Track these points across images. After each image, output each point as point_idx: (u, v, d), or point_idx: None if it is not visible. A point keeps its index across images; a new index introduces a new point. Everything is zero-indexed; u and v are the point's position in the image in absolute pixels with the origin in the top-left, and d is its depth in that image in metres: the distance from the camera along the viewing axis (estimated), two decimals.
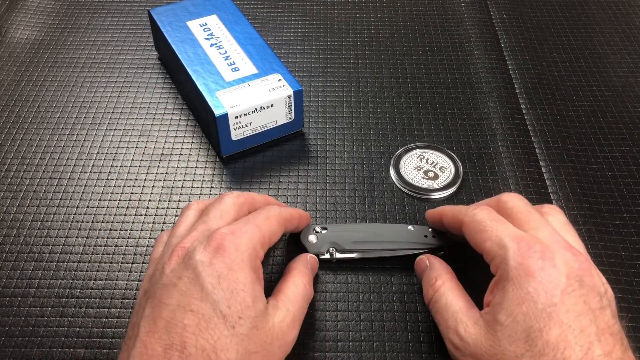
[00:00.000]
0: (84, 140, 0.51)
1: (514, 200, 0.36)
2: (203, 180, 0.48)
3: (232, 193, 0.37)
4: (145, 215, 0.45)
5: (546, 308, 0.30)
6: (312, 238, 0.41)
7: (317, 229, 0.42)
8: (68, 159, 0.49)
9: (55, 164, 0.49)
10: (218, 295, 0.30)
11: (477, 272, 0.36)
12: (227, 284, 0.31)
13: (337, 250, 0.41)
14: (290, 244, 0.43)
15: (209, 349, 0.29)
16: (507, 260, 0.32)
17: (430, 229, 0.42)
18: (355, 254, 0.41)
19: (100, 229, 0.44)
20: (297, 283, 0.36)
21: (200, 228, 0.34)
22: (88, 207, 0.46)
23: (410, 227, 0.42)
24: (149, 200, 0.46)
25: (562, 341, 0.29)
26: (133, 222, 0.45)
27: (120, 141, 0.51)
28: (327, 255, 0.41)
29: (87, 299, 0.40)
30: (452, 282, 0.36)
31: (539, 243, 0.32)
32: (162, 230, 0.44)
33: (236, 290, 0.31)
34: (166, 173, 0.48)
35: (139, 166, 0.49)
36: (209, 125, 0.49)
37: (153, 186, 0.47)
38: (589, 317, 0.30)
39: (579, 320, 0.30)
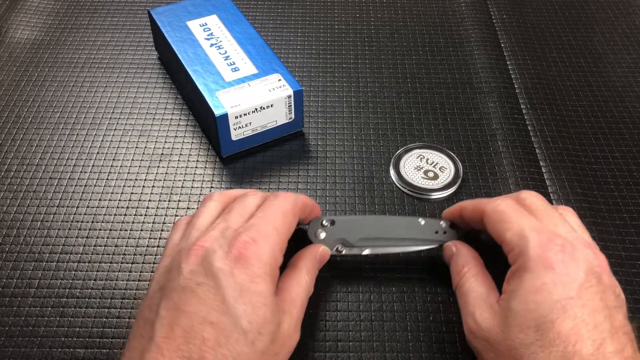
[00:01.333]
0: (84, 140, 0.51)
1: (532, 197, 0.37)
2: (203, 180, 0.48)
3: (257, 193, 0.36)
4: (145, 215, 0.45)
5: (561, 300, 0.30)
6: (321, 234, 0.40)
7: (325, 222, 0.40)
8: (68, 159, 0.49)
9: (55, 164, 0.49)
10: (239, 310, 0.30)
11: (488, 266, 0.37)
12: (249, 297, 0.30)
13: (345, 247, 0.40)
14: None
15: None
16: (527, 250, 0.32)
17: (442, 223, 0.41)
18: (364, 251, 0.40)
19: (100, 229, 0.44)
20: (301, 282, 0.35)
21: (221, 227, 0.33)
22: (88, 207, 0.46)
23: (421, 220, 0.41)
24: (149, 200, 0.46)
25: (574, 334, 0.29)
26: (133, 222, 0.45)
27: (120, 141, 0.51)
28: (334, 252, 0.40)
29: (87, 299, 0.40)
30: (477, 269, 0.36)
31: (560, 237, 0.32)
32: (162, 230, 0.44)
33: (258, 305, 0.30)
34: (166, 173, 0.48)
35: (139, 166, 0.49)
36: (209, 125, 0.49)
37: (153, 186, 0.47)
38: (604, 314, 0.30)
39: (594, 315, 0.30)
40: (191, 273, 0.31)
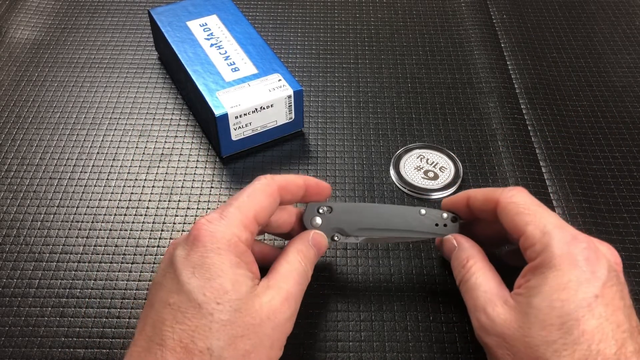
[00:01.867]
0: (84, 140, 0.51)
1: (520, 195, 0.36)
2: (203, 180, 0.48)
3: (263, 178, 0.36)
4: (145, 215, 0.45)
5: (587, 298, 0.30)
6: (317, 221, 0.38)
7: (322, 209, 0.38)
8: (68, 159, 0.49)
9: (55, 164, 0.49)
10: (192, 285, 0.30)
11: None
12: (202, 272, 0.30)
13: (342, 236, 0.38)
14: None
15: (187, 339, 0.29)
16: (551, 247, 0.31)
17: (444, 215, 0.39)
18: (360, 239, 0.39)
19: (100, 229, 0.44)
20: (291, 261, 0.34)
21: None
22: (88, 207, 0.46)
23: (422, 210, 0.39)
24: (149, 200, 0.46)
25: (599, 333, 0.29)
26: (133, 222, 0.45)
27: (120, 141, 0.51)
28: (330, 240, 0.38)
29: (87, 299, 0.40)
30: (483, 262, 0.36)
31: (583, 234, 0.32)
32: (162, 230, 0.44)
33: (212, 277, 0.30)
34: (166, 173, 0.48)
35: (139, 166, 0.49)
36: (209, 125, 0.49)
37: (153, 186, 0.47)
38: (625, 314, 0.30)
39: (616, 314, 0.30)
40: (161, 269, 0.32)
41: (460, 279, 0.36)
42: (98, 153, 0.50)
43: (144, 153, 0.50)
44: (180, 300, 0.30)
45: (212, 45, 0.52)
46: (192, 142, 0.51)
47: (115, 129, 0.52)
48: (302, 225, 0.38)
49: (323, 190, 0.38)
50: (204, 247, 0.31)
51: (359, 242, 0.39)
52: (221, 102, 0.46)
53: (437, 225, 0.39)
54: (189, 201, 0.46)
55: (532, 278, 0.32)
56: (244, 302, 0.30)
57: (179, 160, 0.49)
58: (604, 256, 0.31)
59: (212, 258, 0.31)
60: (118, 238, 0.44)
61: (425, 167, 0.49)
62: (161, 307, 0.30)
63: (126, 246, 0.43)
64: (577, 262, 0.31)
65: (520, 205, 0.34)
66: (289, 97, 0.48)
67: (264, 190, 0.34)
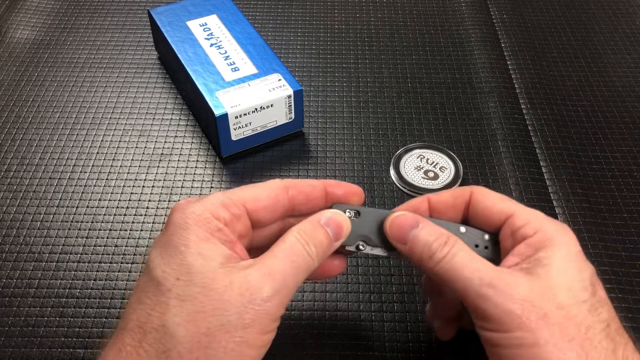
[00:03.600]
0: (84, 140, 0.51)
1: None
2: (203, 180, 0.48)
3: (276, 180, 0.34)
4: (145, 215, 0.45)
5: (591, 269, 0.31)
6: None
7: (349, 212, 0.33)
8: (68, 159, 0.49)
9: (55, 164, 0.49)
10: (154, 263, 0.29)
11: None
12: (165, 250, 0.29)
13: (367, 245, 0.33)
14: None
15: (144, 318, 0.27)
16: (547, 225, 0.31)
17: (485, 236, 0.33)
18: (386, 253, 0.34)
19: (100, 229, 0.44)
20: (287, 239, 0.30)
21: None
22: (88, 207, 0.46)
23: (462, 228, 0.33)
24: (149, 200, 0.46)
25: (608, 301, 0.30)
26: (133, 222, 0.45)
27: (120, 141, 0.51)
28: (354, 249, 0.33)
29: (87, 299, 0.40)
30: (460, 241, 0.32)
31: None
32: (161, 230, 0.44)
33: (174, 254, 0.28)
34: (166, 173, 0.48)
35: (139, 166, 0.49)
36: (209, 125, 0.49)
37: (153, 186, 0.47)
38: None
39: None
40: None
41: (439, 259, 0.31)
42: (98, 153, 0.50)
43: (144, 153, 0.50)
44: (144, 281, 0.29)
45: (212, 45, 0.52)
46: (192, 142, 0.51)
47: (115, 129, 0.52)
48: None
49: (354, 195, 0.34)
50: (172, 225, 0.30)
51: (387, 256, 0.34)
52: (221, 102, 0.46)
53: (477, 246, 0.33)
54: None
55: (539, 251, 0.31)
56: (210, 278, 0.28)
57: (179, 160, 0.49)
58: None
59: (178, 234, 0.29)
60: (118, 238, 0.44)
61: (426, 167, 0.49)
62: (131, 296, 0.29)
63: (126, 246, 0.43)
64: (573, 237, 0.31)
65: (498, 195, 0.33)
66: (289, 97, 0.48)
67: (264, 184, 0.33)
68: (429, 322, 0.38)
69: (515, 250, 0.31)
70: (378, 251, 0.34)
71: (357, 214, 0.33)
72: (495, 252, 0.33)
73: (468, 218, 0.34)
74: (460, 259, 0.30)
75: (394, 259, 0.42)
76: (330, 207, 0.33)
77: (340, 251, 0.33)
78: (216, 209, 0.30)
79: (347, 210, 0.33)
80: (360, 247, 0.33)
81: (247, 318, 0.27)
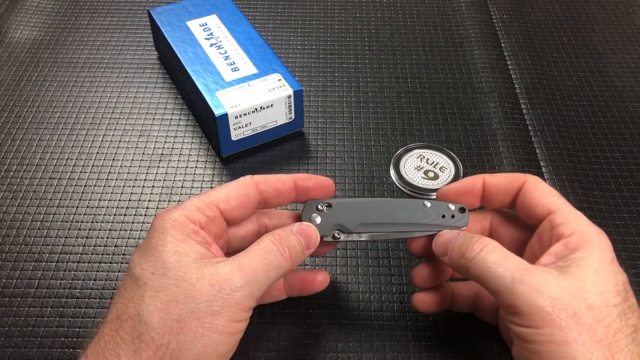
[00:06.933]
0: (84, 140, 0.51)
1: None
2: (203, 180, 0.48)
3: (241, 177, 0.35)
4: (145, 215, 0.45)
5: (625, 276, 0.31)
6: (316, 218, 0.36)
7: (321, 206, 0.36)
8: (68, 159, 0.49)
9: (55, 164, 0.49)
10: (134, 262, 0.31)
11: None
12: (144, 251, 0.31)
13: (342, 233, 0.36)
14: None
15: (121, 309, 0.30)
16: (585, 227, 0.32)
17: (451, 206, 0.36)
18: (363, 237, 0.36)
19: (100, 229, 0.44)
20: (261, 241, 0.32)
21: None
22: (88, 207, 0.46)
23: (427, 202, 0.36)
24: (149, 200, 0.46)
25: (638, 309, 0.31)
26: (133, 222, 0.45)
27: (120, 141, 0.51)
28: (331, 239, 0.36)
29: (87, 299, 0.40)
30: (494, 242, 0.33)
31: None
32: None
33: (151, 253, 0.31)
34: (166, 173, 0.48)
35: (139, 166, 0.49)
36: (208, 125, 0.49)
37: (153, 186, 0.47)
38: None
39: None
40: None
41: (471, 257, 0.32)
42: (98, 153, 0.50)
43: (144, 153, 0.50)
44: (125, 279, 0.31)
45: (212, 45, 0.52)
46: (192, 142, 0.51)
47: (115, 129, 0.52)
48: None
49: (324, 188, 0.36)
50: (152, 230, 0.32)
51: (363, 240, 0.37)
52: (221, 102, 0.46)
53: (443, 216, 0.36)
54: None
55: (575, 252, 0.31)
56: (183, 271, 0.30)
57: (179, 160, 0.49)
58: None
59: (156, 237, 0.31)
60: (118, 238, 0.44)
61: (426, 167, 0.49)
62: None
63: (126, 246, 0.43)
64: (606, 239, 0.32)
65: (549, 189, 0.35)
66: (289, 97, 0.48)
67: (235, 182, 0.35)
68: (414, 282, 0.38)
69: (551, 249, 0.32)
70: (354, 237, 0.36)
71: (329, 206, 0.36)
72: (462, 219, 0.36)
73: (516, 204, 0.36)
74: (494, 257, 0.32)
75: (394, 259, 0.42)
76: (304, 203, 0.36)
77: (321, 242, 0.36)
78: (192, 213, 0.32)
79: (320, 204, 0.36)
80: (337, 235, 0.36)
81: (217, 305, 0.29)
